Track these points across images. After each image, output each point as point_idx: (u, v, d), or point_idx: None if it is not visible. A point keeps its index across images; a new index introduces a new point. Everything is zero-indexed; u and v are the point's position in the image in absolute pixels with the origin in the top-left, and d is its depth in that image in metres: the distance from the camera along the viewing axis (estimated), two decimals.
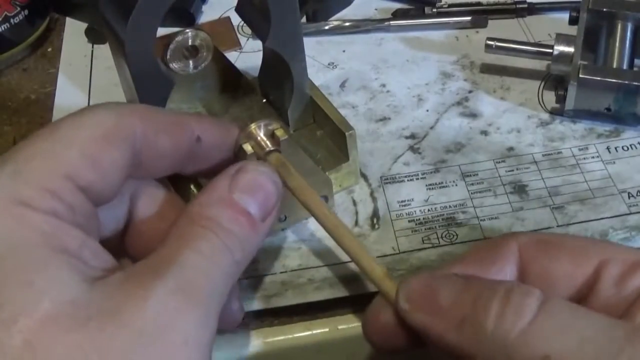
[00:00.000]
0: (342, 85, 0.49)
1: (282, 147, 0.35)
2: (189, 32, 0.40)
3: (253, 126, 0.35)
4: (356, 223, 0.40)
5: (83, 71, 0.52)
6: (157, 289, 0.25)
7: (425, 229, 0.40)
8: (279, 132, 0.35)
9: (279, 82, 0.41)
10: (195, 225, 0.29)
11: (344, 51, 0.52)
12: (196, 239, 0.28)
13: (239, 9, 0.41)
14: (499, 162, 0.43)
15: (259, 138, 0.35)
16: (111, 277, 0.26)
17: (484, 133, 0.45)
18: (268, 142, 0.35)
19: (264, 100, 0.44)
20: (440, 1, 0.55)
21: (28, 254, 0.25)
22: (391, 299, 0.30)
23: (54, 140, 0.28)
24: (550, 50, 0.46)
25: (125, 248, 0.33)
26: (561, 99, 0.45)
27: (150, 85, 0.36)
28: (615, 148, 0.44)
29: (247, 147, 0.34)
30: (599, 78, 0.43)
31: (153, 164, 0.31)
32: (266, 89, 0.44)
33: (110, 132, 0.28)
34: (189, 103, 0.44)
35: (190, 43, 0.40)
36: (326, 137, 0.42)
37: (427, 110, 0.47)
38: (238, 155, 0.35)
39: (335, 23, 0.53)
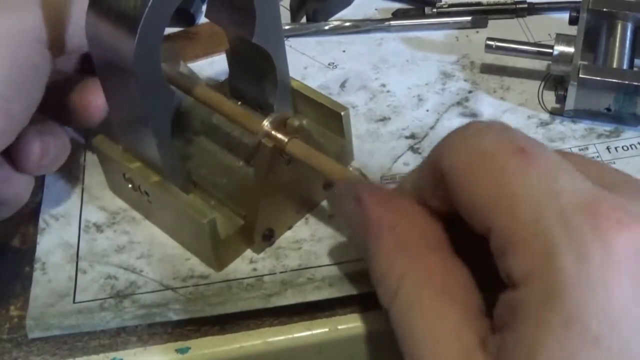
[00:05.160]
0: (342, 85, 0.49)
1: (298, 133, 0.36)
2: None
3: (265, 122, 0.36)
4: None
5: None
6: None
7: None
8: (291, 121, 0.36)
9: (260, 79, 0.41)
10: None
11: (344, 51, 0.52)
12: None
13: (211, 14, 0.40)
14: None
15: (273, 132, 0.36)
16: None
17: None
18: (283, 133, 0.36)
19: (239, 103, 0.43)
20: (440, 1, 0.55)
21: None
22: None
23: None
24: (550, 50, 0.46)
25: None
26: (561, 99, 0.45)
27: (158, 100, 0.35)
28: (615, 148, 0.44)
29: (267, 142, 0.36)
30: (599, 78, 0.43)
31: None
32: (241, 91, 0.43)
33: None
34: None
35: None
36: (313, 123, 0.43)
37: (427, 110, 0.47)
38: (258, 150, 0.36)
39: (335, 23, 0.53)
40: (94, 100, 0.39)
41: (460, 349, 0.25)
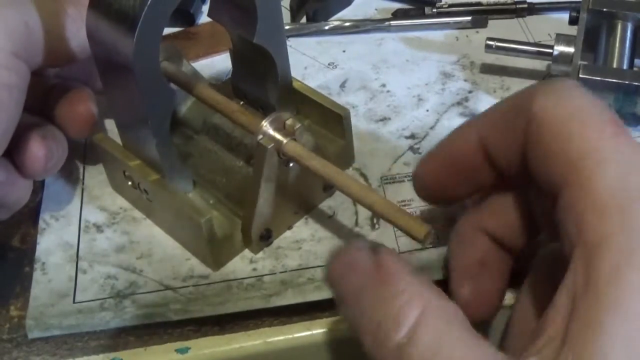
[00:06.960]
0: (342, 85, 0.49)
1: (297, 135, 0.36)
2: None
3: (264, 122, 0.36)
4: (356, 223, 0.40)
5: None
6: None
7: None
8: (290, 122, 0.36)
9: (262, 79, 0.41)
10: None
11: (344, 51, 0.52)
12: None
13: (213, 13, 0.40)
14: None
15: (270, 132, 0.36)
16: None
17: None
18: (282, 134, 0.36)
19: (242, 103, 0.44)
20: (440, 1, 0.55)
21: None
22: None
23: None
24: (550, 50, 0.46)
25: None
26: None
27: (157, 99, 0.35)
28: None
29: (266, 142, 0.36)
30: (599, 78, 0.43)
31: None
32: (243, 90, 0.43)
33: None
34: None
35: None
36: (314, 125, 0.43)
37: (427, 110, 0.47)
38: (257, 150, 0.36)
39: (335, 23, 0.53)
40: (82, 112, 0.40)
41: None
